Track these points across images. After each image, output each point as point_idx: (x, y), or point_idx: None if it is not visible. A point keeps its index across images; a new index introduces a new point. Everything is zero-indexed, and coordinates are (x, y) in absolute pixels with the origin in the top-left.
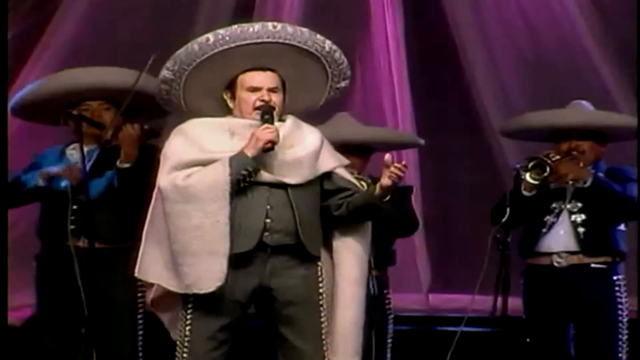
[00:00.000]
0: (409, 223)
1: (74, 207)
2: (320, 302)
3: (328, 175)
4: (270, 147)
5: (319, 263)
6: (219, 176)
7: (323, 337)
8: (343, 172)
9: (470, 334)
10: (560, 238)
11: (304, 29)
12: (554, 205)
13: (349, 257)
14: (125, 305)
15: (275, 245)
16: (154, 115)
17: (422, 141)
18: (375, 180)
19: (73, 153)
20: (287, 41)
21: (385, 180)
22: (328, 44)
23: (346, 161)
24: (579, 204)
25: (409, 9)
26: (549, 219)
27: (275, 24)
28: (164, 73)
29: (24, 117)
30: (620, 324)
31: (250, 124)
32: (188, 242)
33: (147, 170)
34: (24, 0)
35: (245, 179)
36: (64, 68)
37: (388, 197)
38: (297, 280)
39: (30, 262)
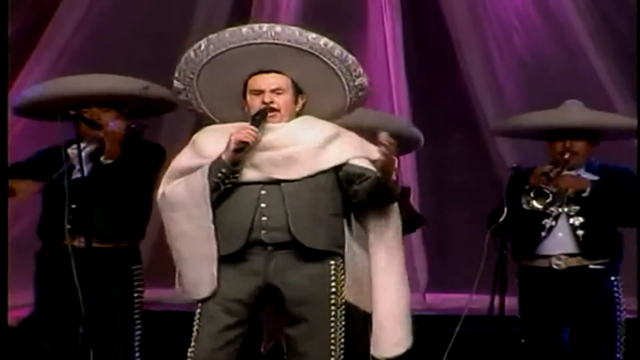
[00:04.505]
0: (410, 221)
1: (73, 206)
2: (332, 302)
3: (342, 167)
4: (241, 147)
5: (332, 261)
6: (199, 182)
7: (332, 337)
8: (360, 161)
9: (467, 333)
10: (559, 241)
11: (294, 28)
12: (551, 208)
13: (379, 247)
14: (121, 304)
15: (272, 242)
16: (148, 115)
17: None
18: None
19: (73, 152)
20: (276, 41)
21: (375, 155)
22: (323, 41)
23: (372, 154)
24: (576, 207)
25: (406, 11)
26: (547, 222)
27: (262, 25)
28: (174, 83)
29: (26, 115)
30: (618, 324)
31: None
32: (179, 249)
33: (144, 169)
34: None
35: (224, 182)
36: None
37: (394, 176)
38: (305, 279)
39: (27, 262)
